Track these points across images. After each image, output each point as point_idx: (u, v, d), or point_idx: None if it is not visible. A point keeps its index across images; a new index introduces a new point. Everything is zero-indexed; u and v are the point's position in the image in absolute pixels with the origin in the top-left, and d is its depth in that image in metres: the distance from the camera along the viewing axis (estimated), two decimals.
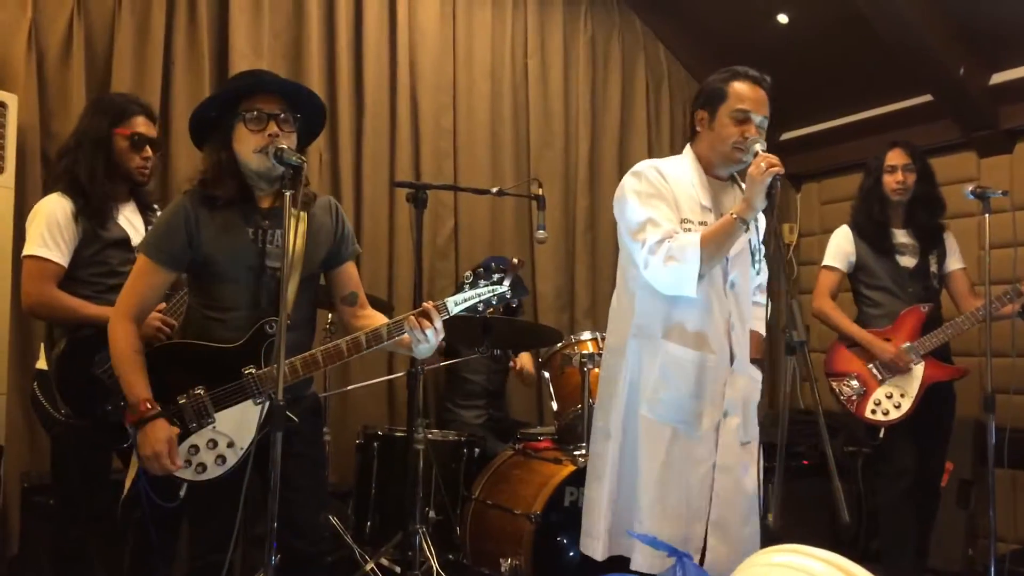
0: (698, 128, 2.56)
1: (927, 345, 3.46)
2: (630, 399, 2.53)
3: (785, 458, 3.96)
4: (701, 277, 2.34)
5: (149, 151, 2.86)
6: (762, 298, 2.72)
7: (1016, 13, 3.92)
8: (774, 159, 2.25)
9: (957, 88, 4.26)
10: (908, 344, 3.46)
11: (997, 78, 4.22)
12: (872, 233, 3.61)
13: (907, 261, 3.59)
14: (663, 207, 2.42)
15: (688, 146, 2.61)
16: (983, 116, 4.28)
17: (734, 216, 2.31)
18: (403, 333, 2.24)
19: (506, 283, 2.28)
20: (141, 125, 2.84)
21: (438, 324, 2.23)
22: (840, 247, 3.69)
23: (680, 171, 2.53)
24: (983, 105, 4.26)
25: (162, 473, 2.16)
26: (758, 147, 2.34)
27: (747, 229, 2.33)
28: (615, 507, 2.53)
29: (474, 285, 2.28)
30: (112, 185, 2.79)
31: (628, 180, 2.53)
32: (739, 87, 2.47)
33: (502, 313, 2.35)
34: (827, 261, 3.71)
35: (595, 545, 2.54)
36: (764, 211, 2.28)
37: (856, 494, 4.45)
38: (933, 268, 3.59)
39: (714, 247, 2.32)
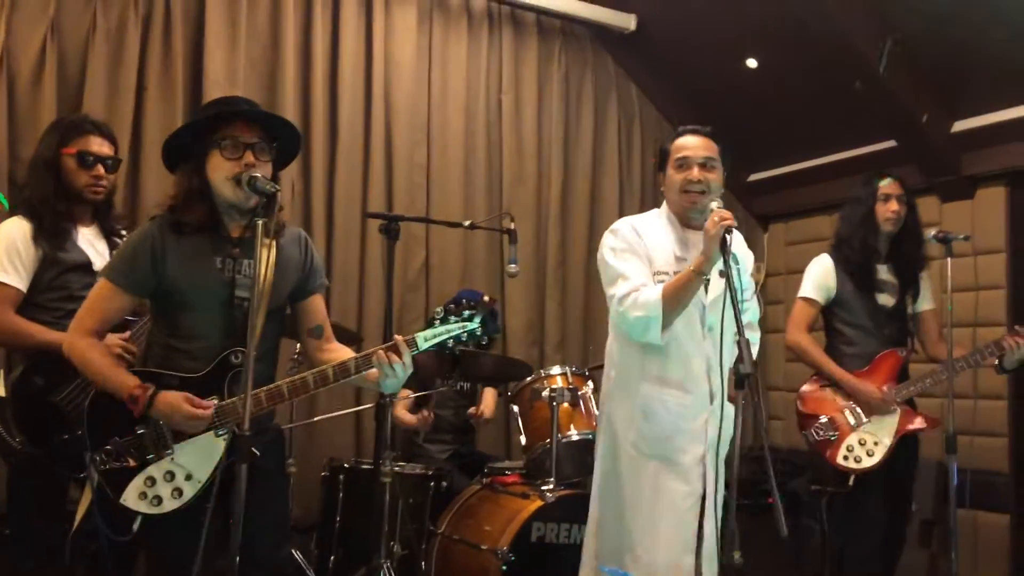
0: (662, 188, 2.80)
1: (904, 394, 3.38)
2: (616, 437, 2.72)
3: (751, 496, 4.01)
4: (667, 326, 2.52)
5: (100, 170, 2.81)
6: (752, 335, 2.82)
7: (978, 64, 4.04)
8: (726, 213, 2.41)
9: (920, 135, 4.37)
10: (884, 389, 3.37)
11: (959, 126, 4.33)
12: (857, 266, 3.45)
13: (886, 299, 3.46)
14: (635, 261, 2.64)
15: (664, 203, 2.81)
16: (945, 162, 4.39)
17: (691, 270, 2.48)
18: (371, 367, 2.22)
19: (477, 320, 2.26)
20: (93, 144, 2.80)
21: (407, 359, 2.21)
22: (820, 278, 3.51)
23: (655, 226, 2.75)
24: (945, 151, 4.37)
25: (202, 426, 2.14)
26: (713, 205, 2.49)
27: (714, 270, 2.47)
28: (601, 536, 2.73)
29: (444, 320, 2.26)
30: (67, 205, 2.75)
31: (606, 237, 2.78)
32: (679, 142, 2.73)
33: (473, 347, 2.34)
34: (805, 292, 3.53)
35: (583, 572, 2.77)
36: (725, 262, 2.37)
37: (821, 533, 4.46)
38: (909, 309, 3.51)
39: (674, 299, 2.51)
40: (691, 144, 2.69)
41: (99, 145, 2.83)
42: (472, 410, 4.13)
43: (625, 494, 2.66)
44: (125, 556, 2.64)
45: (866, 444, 3.34)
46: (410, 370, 2.23)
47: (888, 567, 3.54)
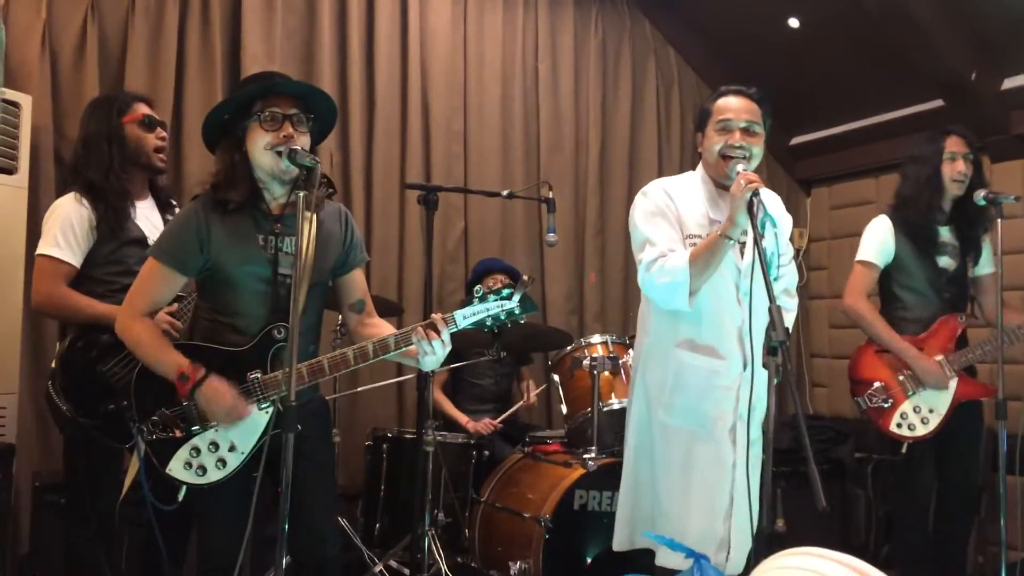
0: (699, 149, 2.72)
1: (962, 361, 3.28)
2: (648, 404, 2.70)
3: (794, 463, 3.99)
4: (695, 292, 2.46)
5: (163, 133, 2.88)
6: (790, 302, 2.76)
7: None
8: (752, 176, 2.35)
9: (969, 93, 4.24)
10: (942, 357, 3.28)
11: (1009, 83, 4.20)
12: (918, 228, 3.32)
13: (947, 262, 3.34)
14: (664, 226, 2.59)
15: (700, 165, 2.74)
16: (995, 121, 4.26)
17: (717, 234, 2.42)
18: (410, 344, 2.25)
19: (515, 299, 2.27)
20: (146, 108, 2.87)
21: (445, 336, 2.23)
22: (880, 241, 3.36)
23: (689, 188, 2.68)
24: (995, 110, 4.24)
25: (240, 420, 2.19)
26: (739, 167, 2.45)
27: (751, 235, 2.42)
28: (632, 503, 2.73)
29: (483, 299, 2.28)
30: (129, 178, 2.79)
31: (637, 199, 2.70)
32: (721, 102, 2.63)
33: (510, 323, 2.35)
34: (864, 256, 3.39)
35: (617, 538, 2.77)
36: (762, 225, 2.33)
37: (867, 501, 4.43)
38: (970, 272, 3.38)
39: (703, 264, 2.44)
40: (734, 106, 2.59)
41: (150, 111, 2.89)
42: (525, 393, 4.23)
43: (657, 460, 2.65)
44: (178, 525, 2.71)
45: (920, 412, 3.27)
46: (448, 348, 2.26)
47: (962, 536, 3.46)
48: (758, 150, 2.58)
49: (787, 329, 2.16)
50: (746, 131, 2.57)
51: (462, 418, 4.07)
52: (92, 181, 2.75)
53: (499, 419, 4.07)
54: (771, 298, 2.06)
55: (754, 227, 2.24)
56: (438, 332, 2.22)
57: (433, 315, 2.26)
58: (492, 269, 4.20)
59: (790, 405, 2.15)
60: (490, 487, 3.60)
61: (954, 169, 3.29)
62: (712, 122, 2.62)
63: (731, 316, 2.58)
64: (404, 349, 2.26)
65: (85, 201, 2.72)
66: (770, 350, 2.02)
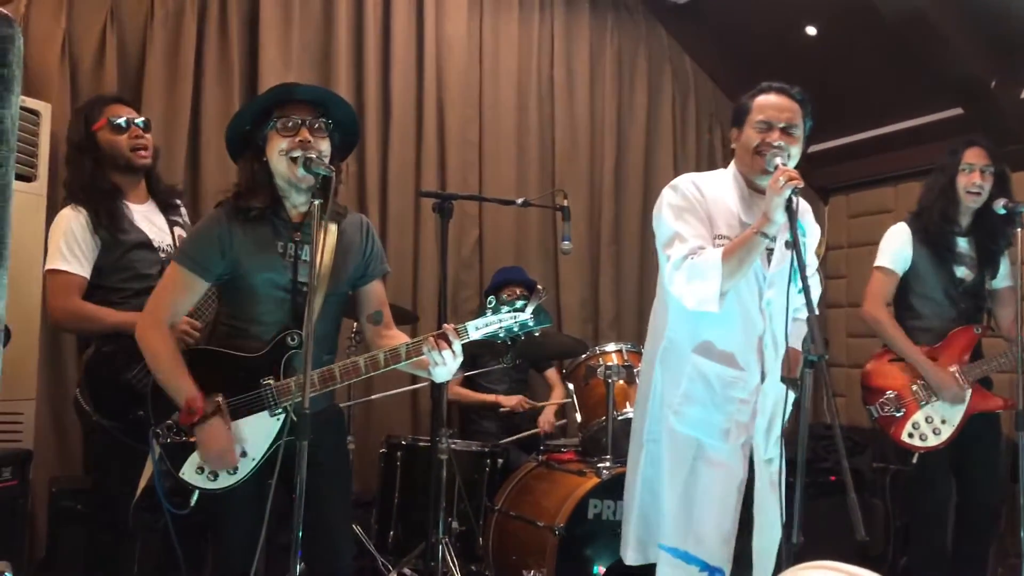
0: (733, 145, 2.59)
1: (976, 373, 3.25)
2: (659, 410, 2.56)
3: (811, 474, 3.95)
4: (724, 294, 2.32)
5: (137, 131, 2.84)
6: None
7: None
8: (792, 172, 2.24)
9: (988, 101, 4.21)
10: (956, 367, 3.24)
11: None
12: (934, 237, 3.28)
13: (964, 273, 3.30)
14: (694, 222, 2.43)
15: (732, 163, 2.62)
16: (1014, 130, 4.22)
17: (753, 231, 2.30)
18: (421, 354, 2.24)
19: (529, 310, 2.25)
20: (119, 111, 2.84)
21: (456, 347, 2.22)
22: (898, 247, 3.33)
23: (719, 186, 2.54)
24: (1014, 118, 4.21)
25: (226, 468, 2.19)
26: (778, 160, 2.35)
27: (779, 241, 2.33)
28: (644, 516, 2.60)
29: (496, 311, 2.27)
30: (113, 183, 2.79)
31: (665, 192, 2.53)
32: (762, 100, 2.51)
33: (524, 336, 2.33)
34: (882, 262, 3.36)
35: (625, 551, 2.63)
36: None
37: (884, 511, 4.38)
38: (988, 284, 3.34)
39: (736, 262, 2.31)
40: (775, 104, 2.47)
41: (124, 110, 2.87)
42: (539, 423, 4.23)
43: (664, 471, 2.52)
44: (195, 530, 2.71)
45: (932, 422, 3.23)
46: (459, 358, 2.24)
47: (974, 549, 3.40)
48: (796, 151, 2.45)
49: (827, 341, 2.09)
50: (785, 131, 2.45)
51: (489, 397, 4.09)
52: (79, 187, 2.77)
53: (516, 437, 4.08)
54: (810, 308, 1.98)
55: (793, 227, 2.14)
56: (449, 343, 2.21)
57: (445, 325, 2.26)
58: (511, 281, 4.19)
59: (820, 418, 2.10)
60: (504, 495, 3.59)
61: (969, 181, 3.25)
62: (751, 120, 2.49)
63: (754, 324, 2.47)
64: (416, 359, 2.25)
65: (80, 208, 2.73)
66: (807, 363, 1.95)
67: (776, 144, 2.42)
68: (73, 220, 2.72)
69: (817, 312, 2.74)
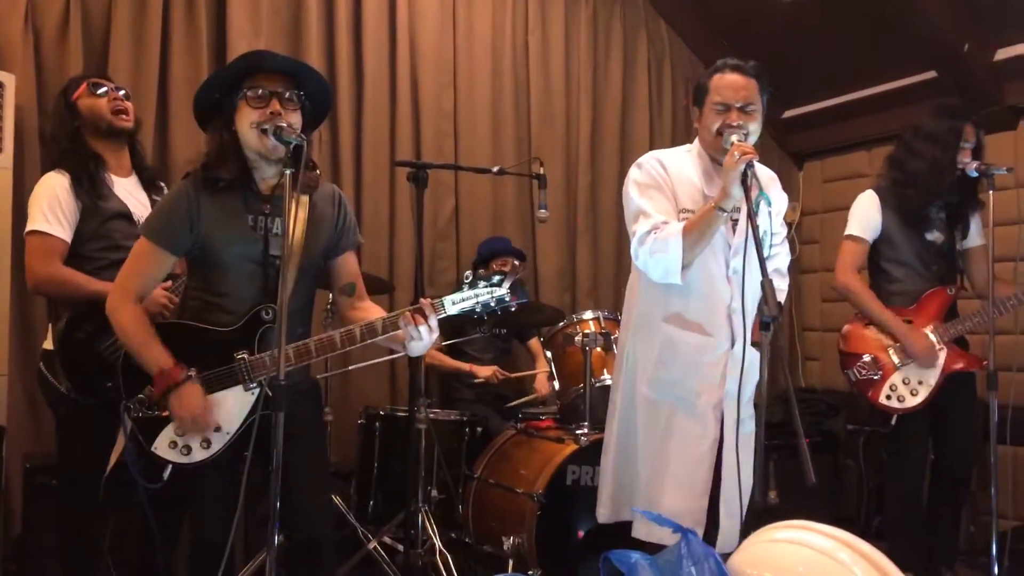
0: (695, 124, 2.68)
1: (951, 332, 3.30)
2: (633, 377, 2.69)
3: (784, 436, 4.01)
4: (687, 266, 2.45)
5: (118, 93, 2.85)
6: (781, 282, 2.76)
7: None
8: (747, 147, 2.34)
9: (961, 64, 4.22)
10: (931, 328, 3.30)
11: (1002, 54, 4.18)
12: (917, 207, 3.31)
13: (935, 236, 3.35)
14: (659, 197, 2.56)
15: (696, 139, 2.70)
16: (987, 92, 4.24)
17: (711, 206, 2.39)
18: (398, 328, 2.23)
19: (505, 285, 2.26)
20: (99, 81, 2.86)
21: (433, 322, 2.21)
22: (867, 215, 3.39)
23: (683, 162, 2.64)
24: (987, 81, 4.23)
25: (201, 434, 2.18)
26: (734, 138, 2.42)
27: (744, 219, 2.41)
28: (618, 477, 2.73)
29: (473, 285, 2.27)
30: (99, 147, 2.79)
31: (632, 171, 2.66)
32: (718, 80, 2.58)
33: (501, 312, 2.34)
34: (852, 231, 3.41)
35: (601, 511, 2.76)
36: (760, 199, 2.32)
37: (858, 473, 4.46)
38: (959, 245, 3.38)
39: (696, 236, 2.42)
40: (731, 84, 2.54)
41: (106, 82, 2.87)
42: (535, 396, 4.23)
43: (639, 435, 2.65)
44: (170, 504, 2.70)
45: (910, 384, 3.29)
46: (435, 334, 2.24)
47: (954, 515, 3.48)
48: (755, 127, 2.53)
49: (780, 304, 2.15)
50: (743, 110, 2.53)
51: (465, 366, 4.10)
52: (59, 154, 2.77)
53: (510, 405, 4.10)
54: (764, 272, 2.05)
55: (748, 200, 2.22)
56: (425, 318, 2.20)
57: (421, 300, 2.25)
58: (502, 251, 4.18)
59: (781, 379, 2.16)
60: (483, 463, 3.61)
61: (962, 157, 3.28)
62: (709, 101, 2.58)
63: (720, 293, 2.56)
64: (392, 333, 2.25)
65: (64, 171, 2.71)
66: (762, 325, 2.03)
67: (736, 124, 2.50)
68: (57, 183, 2.69)
69: (785, 280, 2.78)
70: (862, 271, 3.47)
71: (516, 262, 2.32)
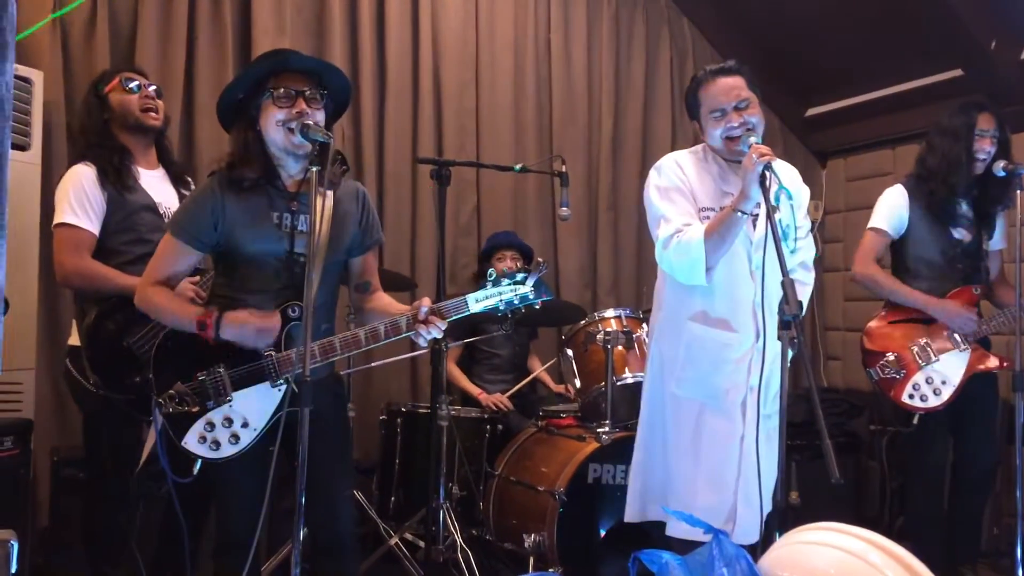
0: (701, 137, 2.71)
1: (984, 329, 3.27)
2: (661, 377, 2.72)
3: (807, 436, 3.99)
4: (711, 268, 2.47)
5: (149, 91, 2.87)
6: (807, 275, 2.76)
7: None
8: (764, 148, 2.35)
9: (988, 63, 4.18)
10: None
11: None
12: (941, 202, 3.29)
13: (961, 234, 3.33)
14: (679, 199, 2.59)
15: (703, 145, 2.74)
16: (1014, 91, 4.19)
17: (730, 208, 2.42)
18: (420, 324, 2.25)
19: (529, 283, 2.27)
20: (131, 75, 2.88)
21: (442, 325, 2.23)
22: (893, 209, 3.37)
23: (698, 162, 2.68)
24: (1014, 80, 4.18)
25: (271, 337, 2.21)
26: (752, 140, 2.44)
27: (764, 215, 2.39)
28: (645, 476, 2.75)
29: (497, 283, 2.28)
30: (127, 140, 2.81)
31: (650, 175, 2.69)
32: (706, 90, 2.61)
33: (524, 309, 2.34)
34: (875, 223, 3.40)
35: (628, 510, 2.78)
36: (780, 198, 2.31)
37: (881, 473, 4.43)
38: (985, 245, 3.35)
39: (718, 238, 2.45)
40: (721, 89, 2.56)
41: (138, 76, 2.90)
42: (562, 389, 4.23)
43: (668, 433, 2.67)
44: (197, 499, 2.73)
45: (933, 383, 3.26)
46: (444, 326, 2.25)
47: (975, 515, 3.45)
48: (757, 119, 2.54)
49: (800, 303, 2.14)
50: (738, 109, 2.54)
51: (474, 390, 4.08)
52: (86, 145, 2.79)
53: (509, 392, 4.08)
54: (784, 271, 2.06)
55: (766, 200, 2.24)
56: (435, 322, 2.22)
57: (432, 303, 2.25)
58: (501, 245, 4.18)
59: (804, 378, 2.14)
60: (504, 461, 3.61)
61: (980, 147, 3.26)
62: (704, 113, 2.61)
63: (744, 289, 2.58)
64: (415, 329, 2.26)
65: (90, 163, 2.74)
66: (783, 323, 2.03)
67: (738, 124, 2.52)
68: (83, 175, 2.72)
69: (811, 275, 2.77)
70: (884, 267, 3.44)
71: (539, 259, 2.31)
